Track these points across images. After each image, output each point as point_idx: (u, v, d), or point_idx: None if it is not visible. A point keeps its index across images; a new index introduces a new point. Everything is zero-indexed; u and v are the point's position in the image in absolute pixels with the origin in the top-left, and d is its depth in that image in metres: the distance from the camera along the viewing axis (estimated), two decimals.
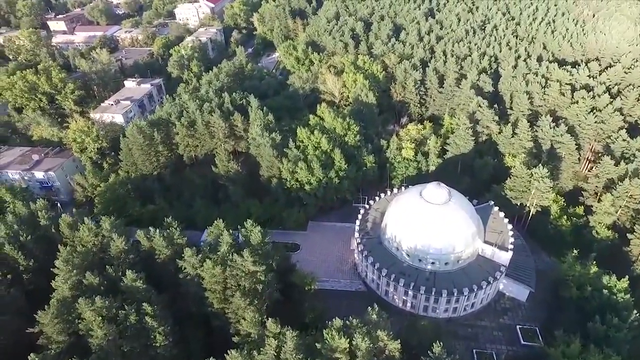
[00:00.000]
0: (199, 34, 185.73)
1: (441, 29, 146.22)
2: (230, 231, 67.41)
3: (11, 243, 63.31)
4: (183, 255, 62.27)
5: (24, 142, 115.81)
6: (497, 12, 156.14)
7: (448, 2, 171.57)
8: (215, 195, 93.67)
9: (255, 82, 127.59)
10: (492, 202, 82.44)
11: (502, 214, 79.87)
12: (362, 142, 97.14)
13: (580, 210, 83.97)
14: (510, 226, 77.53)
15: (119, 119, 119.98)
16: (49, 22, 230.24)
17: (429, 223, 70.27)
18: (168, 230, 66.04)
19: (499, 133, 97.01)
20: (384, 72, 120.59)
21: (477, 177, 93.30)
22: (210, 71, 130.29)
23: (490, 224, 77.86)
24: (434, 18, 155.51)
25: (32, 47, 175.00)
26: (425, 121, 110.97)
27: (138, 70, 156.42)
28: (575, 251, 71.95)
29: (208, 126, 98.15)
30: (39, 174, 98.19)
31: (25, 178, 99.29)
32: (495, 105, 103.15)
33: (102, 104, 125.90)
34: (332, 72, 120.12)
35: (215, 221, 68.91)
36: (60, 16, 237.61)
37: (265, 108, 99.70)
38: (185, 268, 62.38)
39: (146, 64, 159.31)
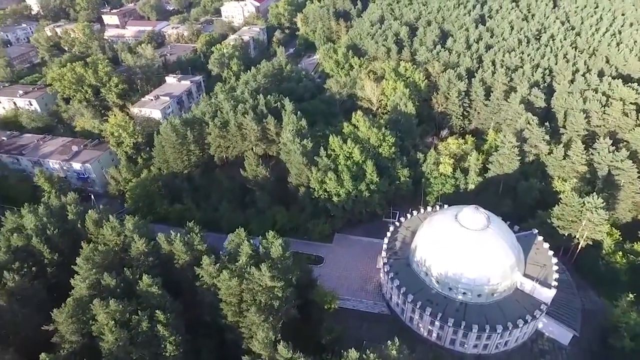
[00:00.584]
0: (242, 32, 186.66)
1: (491, 37, 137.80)
2: (251, 241, 65.32)
3: (39, 235, 64.23)
4: (201, 262, 60.70)
5: (68, 132, 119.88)
6: (555, 21, 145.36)
7: (501, 8, 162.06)
8: (242, 199, 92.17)
9: (293, 84, 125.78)
10: (536, 231, 75.33)
11: (546, 245, 72.71)
12: (397, 154, 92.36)
13: (638, 246, 75.15)
14: (555, 259, 70.34)
15: (156, 115, 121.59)
16: (103, 16, 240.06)
17: (463, 250, 64.77)
18: (189, 235, 64.64)
19: (549, 154, 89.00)
20: (426, 80, 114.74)
21: (520, 201, 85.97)
22: (249, 70, 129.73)
23: (533, 256, 71.02)
24: (485, 25, 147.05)
25: (85, 40, 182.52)
26: (467, 135, 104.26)
27: (180, 66, 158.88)
28: (630, 295, 63.98)
29: (240, 128, 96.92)
30: (76, 165, 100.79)
31: (64, 168, 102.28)
32: (547, 123, 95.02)
33: (143, 99, 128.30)
34: (371, 78, 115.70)
35: (237, 229, 66.82)
36: (114, 10, 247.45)
37: (299, 112, 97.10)
38: (202, 276, 60.73)
39: (189, 60, 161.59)
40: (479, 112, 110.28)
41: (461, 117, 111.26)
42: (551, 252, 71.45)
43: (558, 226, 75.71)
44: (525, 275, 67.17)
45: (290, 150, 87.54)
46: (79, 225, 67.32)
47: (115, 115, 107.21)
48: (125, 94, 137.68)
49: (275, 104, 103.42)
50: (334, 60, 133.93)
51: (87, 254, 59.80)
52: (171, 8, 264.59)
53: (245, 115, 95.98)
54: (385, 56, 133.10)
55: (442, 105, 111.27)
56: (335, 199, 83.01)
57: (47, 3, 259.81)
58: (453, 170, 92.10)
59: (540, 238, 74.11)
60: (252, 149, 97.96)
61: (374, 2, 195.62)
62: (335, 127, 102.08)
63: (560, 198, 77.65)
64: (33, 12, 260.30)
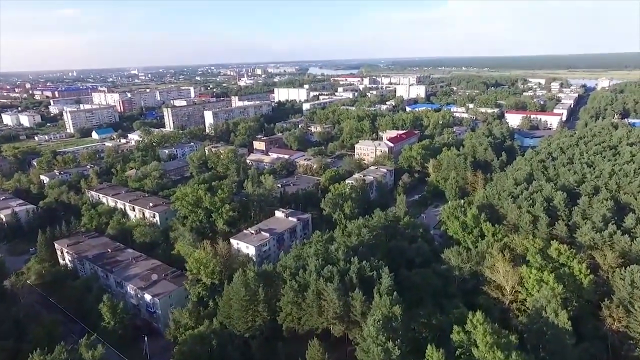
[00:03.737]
0: (368, 171, 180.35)
1: None
2: None
3: None
4: None
5: (167, 253, 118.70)
6: None
7: None
8: None
9: (404, 244, 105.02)
10: None
11: None
12: None
13: None
14: None
15: (251, 252, 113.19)
16: (254, 142, 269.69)
17: None
18: None
19: None
20: (591, 274, 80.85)
21: None
22: (361, 217, 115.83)
23: None
24: None
25: (227, 162, 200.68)
26: None
27: (296, 200, 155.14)
28: None
29: (320, 297, 77.95)
30: (147, 297, 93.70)
31: (138, 296, 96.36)
32: None
33: (244, 231, 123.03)
34: (506, 256, 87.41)
35: None
36: (264, 138, 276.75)
37: (395, 293, 73.95)
38: None
39: (305, 194, 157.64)
40: None
41: None
42: None
43: None
44: None
45: (370, 350, 63.20)
46: None
47: (204, 248, 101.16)
48: (234, 222, 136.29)
49: (371, 273, 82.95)
50: (460, 221, 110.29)
51: None
52: (313, 140, 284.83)
53: (329, 283, 77.38)
54: (530, 227, 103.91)
55: (618, 320, 74.08)
56: None
57: (217, 127, 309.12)
58: None
59: None
60: (330, 328, 76.73)
61: (522, 156, 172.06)
62: (447, 317, 75.78)
63: None
64: (205, 133, 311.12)
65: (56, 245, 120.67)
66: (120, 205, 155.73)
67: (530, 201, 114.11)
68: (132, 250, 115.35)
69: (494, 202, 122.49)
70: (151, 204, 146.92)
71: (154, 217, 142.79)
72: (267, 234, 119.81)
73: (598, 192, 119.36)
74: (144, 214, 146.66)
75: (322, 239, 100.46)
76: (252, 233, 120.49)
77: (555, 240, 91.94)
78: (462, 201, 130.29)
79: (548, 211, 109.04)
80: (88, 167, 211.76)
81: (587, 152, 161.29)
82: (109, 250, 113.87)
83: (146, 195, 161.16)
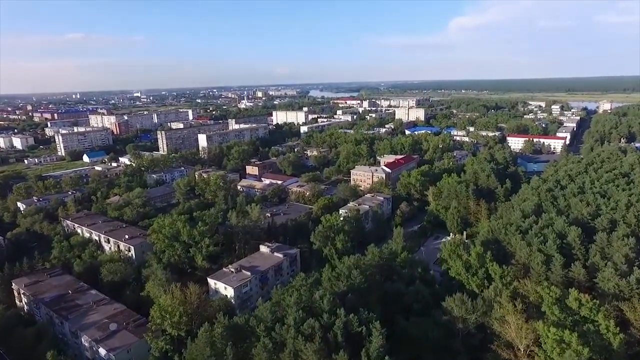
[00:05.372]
0: (363, 199, 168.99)
1: None
2: None
3: None
4: None
5: (136, 294, 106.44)
6: None
7: None
8: None
9: (401, 286, 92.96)
10: None
11: None
12: None
13: None
14: None
15: (230, 293, 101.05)
16: (247, 166, 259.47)
17: None
18: None
19: None
20: (620, 333, 68.32)
21: None
22: (350, 256, 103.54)
23: None
24: None
25: (215, 189, 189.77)
26: None
27: (285, 232, 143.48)
28: None
29: (297, 358, 65.52)
30: (102, 351, 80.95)
31: (94, 349, 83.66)
32: None
33: (223, 269, 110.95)
34: (518, 306, 75.12)
35: None
36: (257, 162, 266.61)
37: (387, 358, 61.61)
38: None
39: (295, 226, 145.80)
40: None
41: None
42: None
43: None
44: None
45: None
46: None
47: (172, 292, 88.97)
48: (216, 257, 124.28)
49: (360, 328, 70.65)
50: (463, 260, 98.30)
51: None
52: (309, 164, 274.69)
53: (309, 343, 65.09)
54: (543, 269, 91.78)
55: None
56: None
57: (210, 150, 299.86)
58: None
59: None
60: None
61: (528, 184, 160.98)
62: None
63: None
64: (197, 157, 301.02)
65: (13, 285, 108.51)
66: (95, 236, 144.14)
67: (541, 237, 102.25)
68: (96, 292, 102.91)
69: (500, 237, 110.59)
70: (127, 236, 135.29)
71: (130, 251, 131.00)
72: (249, 273, 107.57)
73: (615, 226, 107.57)
74: (119, 247, 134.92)
75: (307, 283, 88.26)
76: (232, 271, 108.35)
77: (573, 287, 79.72)
78: (464, 235, 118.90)
79: (561, 249, 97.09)
80: (70, 193, 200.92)
81: (598, 180, 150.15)
82: (70, 292, 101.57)
83: (124, 225, 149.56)
